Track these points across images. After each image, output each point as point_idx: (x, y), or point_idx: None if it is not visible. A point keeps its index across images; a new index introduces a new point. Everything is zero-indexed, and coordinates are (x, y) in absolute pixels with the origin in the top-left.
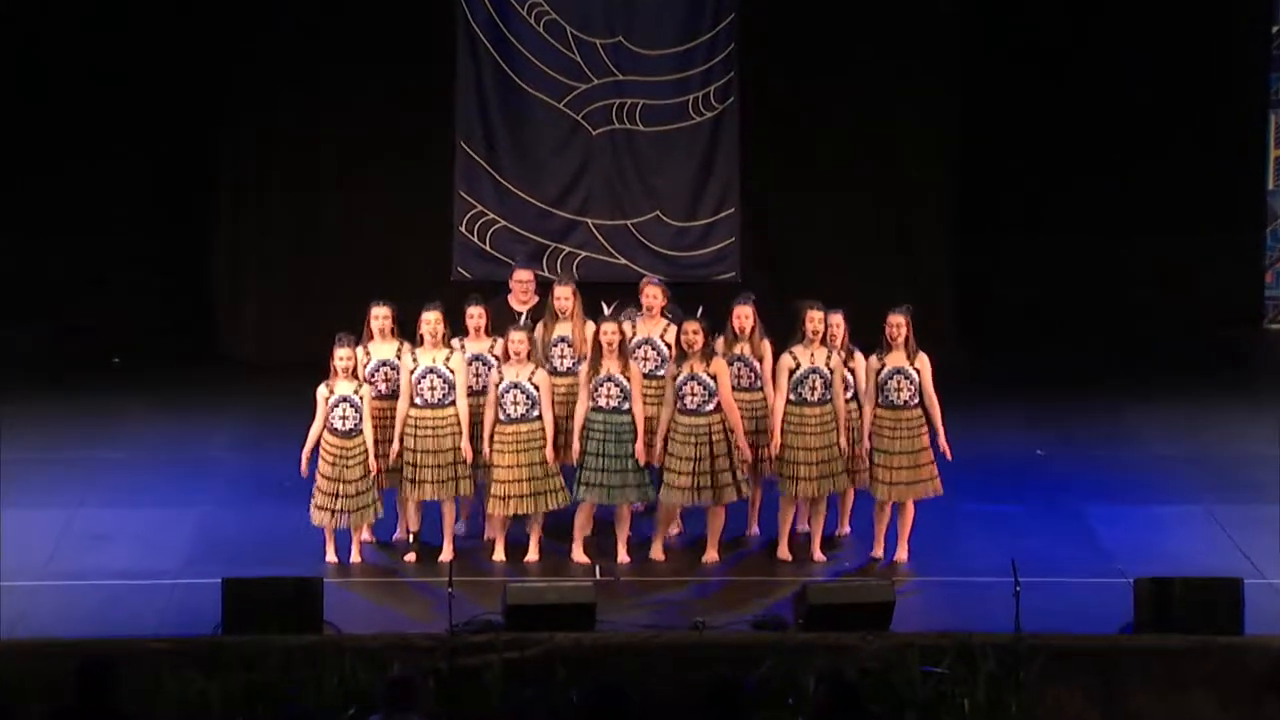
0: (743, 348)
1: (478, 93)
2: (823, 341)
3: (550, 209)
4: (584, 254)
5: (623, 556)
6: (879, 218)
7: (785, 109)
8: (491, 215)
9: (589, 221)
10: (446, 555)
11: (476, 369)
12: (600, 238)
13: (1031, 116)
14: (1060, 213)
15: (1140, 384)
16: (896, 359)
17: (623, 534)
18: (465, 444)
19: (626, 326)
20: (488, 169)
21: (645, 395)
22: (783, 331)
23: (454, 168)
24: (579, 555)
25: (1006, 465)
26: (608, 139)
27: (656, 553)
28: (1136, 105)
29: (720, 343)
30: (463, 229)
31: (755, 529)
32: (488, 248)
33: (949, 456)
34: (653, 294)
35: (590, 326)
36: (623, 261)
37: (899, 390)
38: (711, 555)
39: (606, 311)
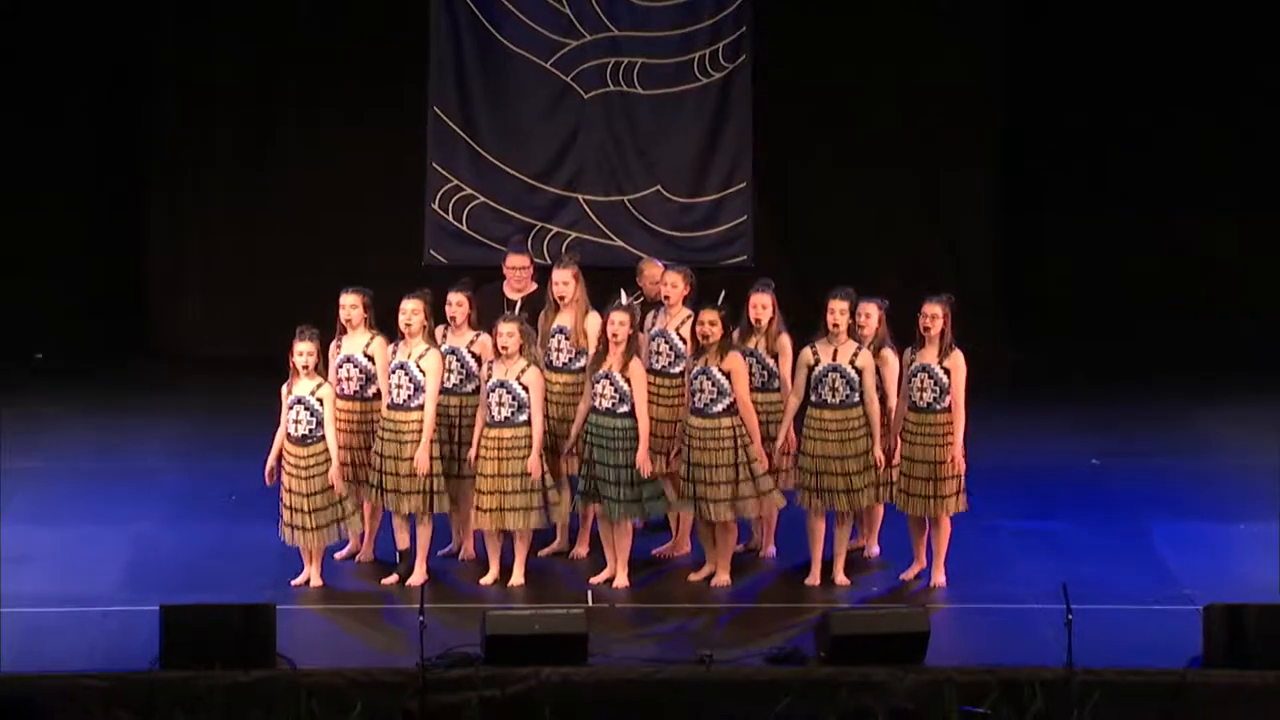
0: (757, 342)
1: (453, 51)
2: (851, 335)
3: (536, 183)
4: (574, 235)
5: (620, 580)
6: (911, 193)
7: (804, 68)
8: (468, 191)
9: (580, 198)
10: (418, 578)
11: (449, 364)
12: (593, 216)
13: (1087, 70)
14: (1121, 186)
15: (1211, 382)
16: (926, 355)
17: (622, 553)
18: (422, 454)
19: (647, 319)
20: (464, 138)
21: (658, 396)
22: (805, 324)
23: (426, 137)
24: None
25: (1056, 475)
26: (601, 103)
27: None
28: (1206, 63)
29: (735, 335)
30: (436, 206)
31: (771, 549)
32: (464, 227)
33: (959, 469)
34: (672, 282)
35: (594, 317)
36: (619, 243)
37: (921, 390)
38: (722, 579)
39: (624, 299)
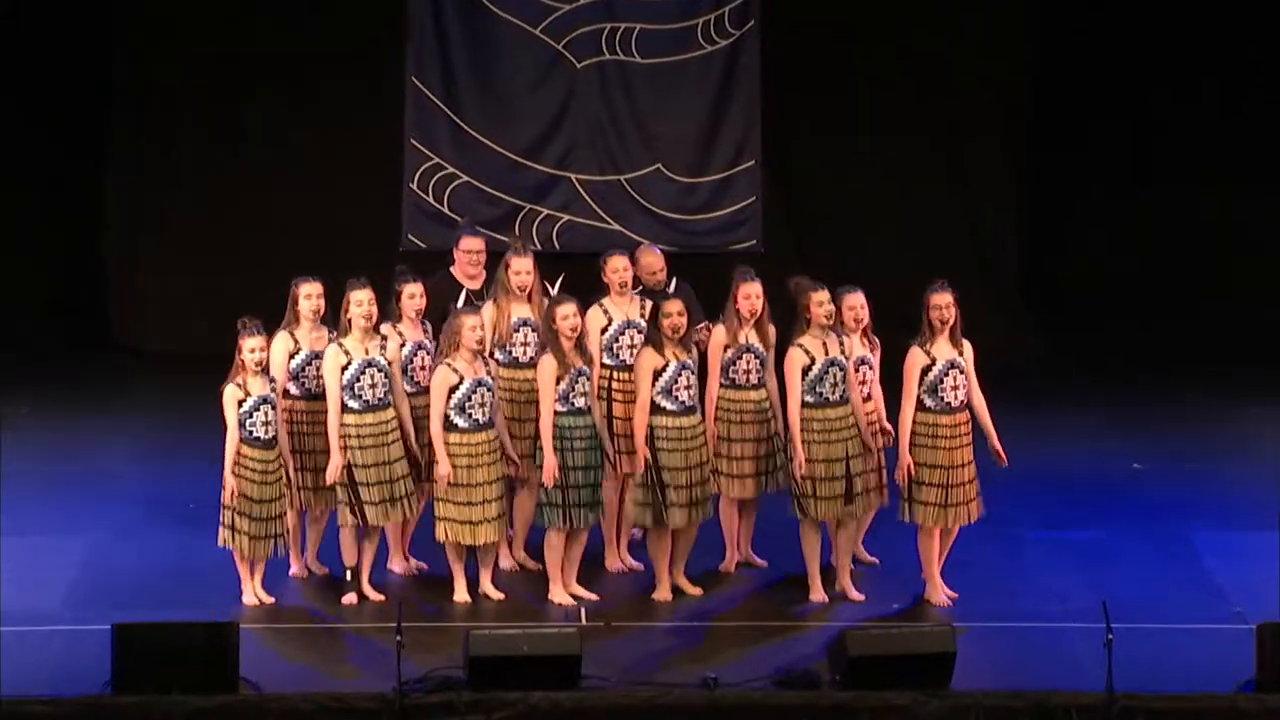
0: (746, 335)
1: (433, 16)
2: (831, 328)
3: (524, 161)
4: (566, 217)
5: (558, 595)
6: (934, 171)
7: (817, 35)
8: (450, 169)
9: (573, 177)
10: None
11: (422, 361)
12: (586, 197)
13: (1124, 34)
14: (1160, 160)
15: (1260, 376)
16: (946, 350)
17: (572, 565)
18: (414, 445)
19: (598, 313)
20: (446, 111)
21: (624, 392)
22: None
23: (404, 110)
24: (559, 595)
25: (1091, 479)
26: (596, 73)
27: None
28: (1254, 22)
29: (720, 330)
30: (414, 186)
31: (737, 558)
32: (445, 209)
33: (1004, 461)
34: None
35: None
36: (615, 227)
37: (954, 389)
38: (664, 593)
39: (553, 290)
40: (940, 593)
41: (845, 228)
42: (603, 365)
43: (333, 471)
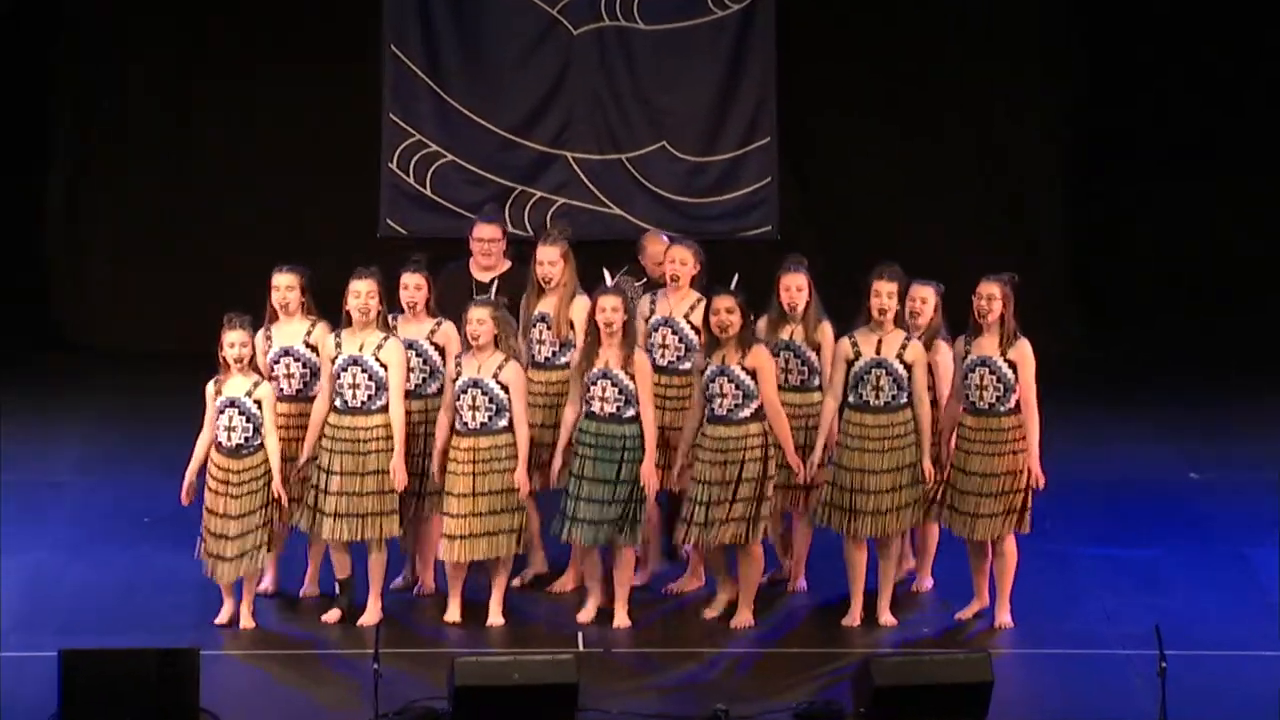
0: (792, 331)
1: None
2: (898, 323)
3: (515, 138)
4: (561, 201)
5: (620, 618)
6: (968, 152)
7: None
8: (434, 147)
9: (569, 156)
10: (371, 617)
11: (409, 361)
12: (584, 179)
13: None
14: (1221, 146)
15: None
16: (983, 345)
17: (621, 587)
18: (398, 464)
19: (645, 304)
20: (428, 83)
21: (663, 398)
22: (840, 309)
23: (382, 82)
24: (587, 615)
25: (1142, 492)
26: (594, 41)
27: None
28: None
29: (763, 324)
30: (394, 166)
31: (802, 581)
32: (428, 191)
33: (1040, 484)
34: (680, 258)
35: (583, 302)
36: (616, 212)
37: (981, 389)
38: (744, 618)
39: (608, 280)
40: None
41: (870, 213)
42: None
43: (304, 455)
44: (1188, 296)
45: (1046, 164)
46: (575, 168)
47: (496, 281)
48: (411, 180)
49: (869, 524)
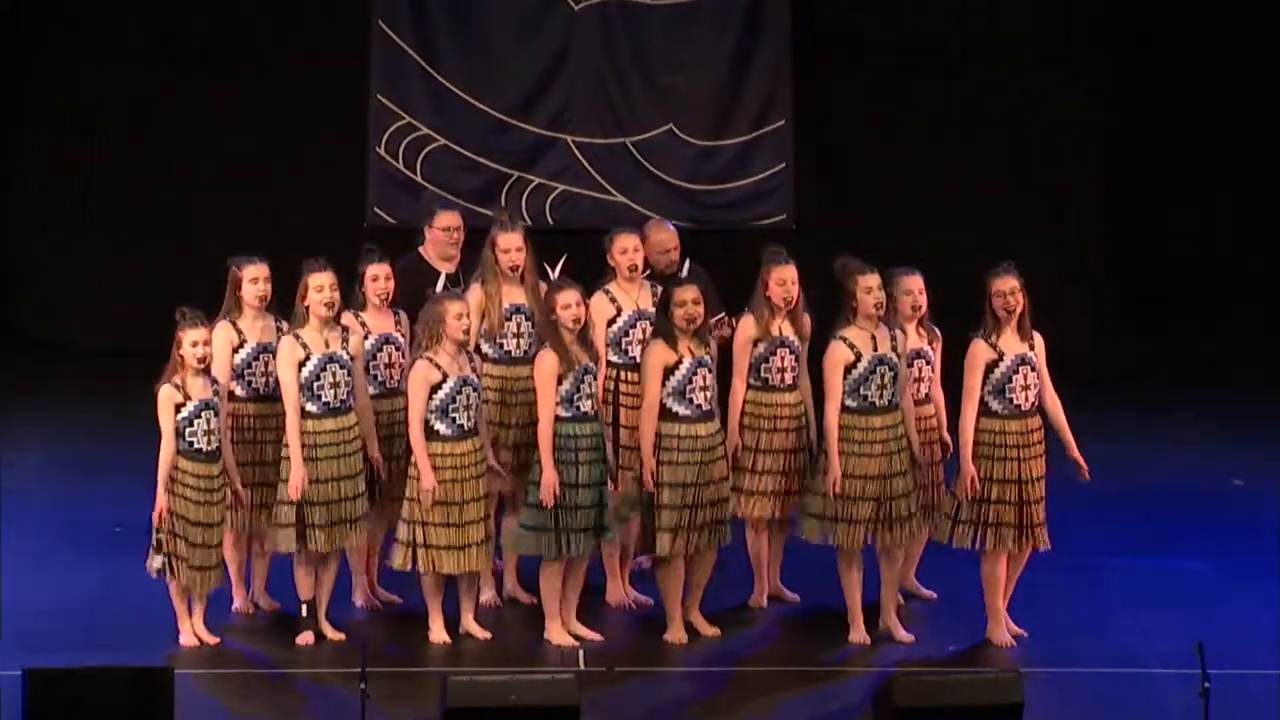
0: (780, 327)
1: None
2: (883, 320)
3: (512, 121)
4: (562, 187)
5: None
6: (998, 138)
7: None
8: (425, 130)
9: (569, 139)
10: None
11: (389, 357)
12: (585, 163)
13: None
14: (1268, 132)
15: None
16: (1015, 343)
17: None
18: (375, 453)
19: (601, 299)
20: (419, 62)
21: (635, 395)
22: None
23: (369, 60)
24: (556, 634)
25: (1183, 499)
26: (597, 17)
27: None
28: None
29: (749, 322)
30: (382, 151)
31: (765, 599)
32: (418, 177)
33: (1086, 474)
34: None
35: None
36: (620, 199)
37: (1025, 389)
38: (709, 629)
39: (553, 274)
40: (1005, 631)
41: (891, 201)
42: (609, 364)
43: (294, 485)
44: (1237, 291)
45: (1084, 153)
46: (576, 152)
47: (460, 272)
48: (401, 165)
49: (900, 531)
